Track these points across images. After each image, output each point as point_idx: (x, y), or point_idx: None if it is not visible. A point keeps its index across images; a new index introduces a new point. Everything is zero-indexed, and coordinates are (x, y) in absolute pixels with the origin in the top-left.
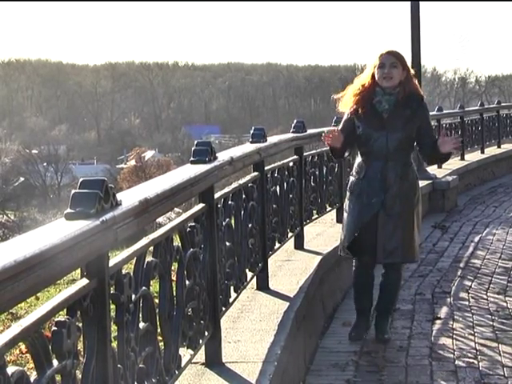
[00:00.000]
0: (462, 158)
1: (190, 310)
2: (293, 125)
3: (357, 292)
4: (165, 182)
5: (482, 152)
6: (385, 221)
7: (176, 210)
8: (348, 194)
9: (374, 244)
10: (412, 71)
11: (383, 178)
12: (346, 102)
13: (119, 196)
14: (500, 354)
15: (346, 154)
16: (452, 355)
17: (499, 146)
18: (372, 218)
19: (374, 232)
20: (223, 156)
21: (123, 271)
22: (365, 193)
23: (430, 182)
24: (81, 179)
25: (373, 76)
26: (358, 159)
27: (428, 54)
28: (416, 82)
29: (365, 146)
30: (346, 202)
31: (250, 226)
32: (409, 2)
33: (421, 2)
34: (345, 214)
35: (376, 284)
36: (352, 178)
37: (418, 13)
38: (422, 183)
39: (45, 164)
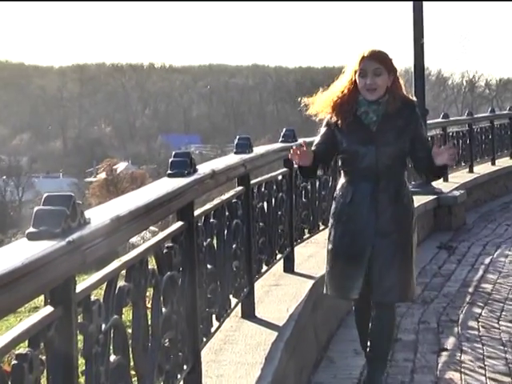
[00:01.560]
0: (471, 171)
1: (166, 340)
2: (282, 133)
3: (359, 331)
4: (139, 198)
5: (493, 163)
6: (378, 253)
7: (151, 228)
8: (331, 221)
9: (367, 280)
10: (398, 71)
11: (374, 201)
12: (321, 107)
13: (88, 213)
14: None
15: (319, 173)
16: None
17: None
18: (362, 250)
19: (365, 266)
20: (204, 168)
21: (92, 297)
22: (352, 220)
23: (434, 197)
24: (45, 195)
25: (354, 82)
26: (342, 180)
27: (432, 55)
28: (403, 83)
29: (350, 165)
30: (332, 232)
31: (234, 246)
32: (410, 2)
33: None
34: (329, 246)
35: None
36: (335, 203)
37: (422, 13)
38: (425, 198)
39: (4, 177)
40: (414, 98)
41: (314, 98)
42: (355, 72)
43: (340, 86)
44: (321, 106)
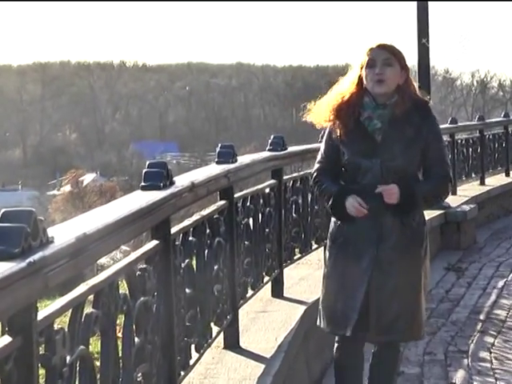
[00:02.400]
0: (482, 183)
1: (139, 374)
2: (270, 141)
3: (339, 379)
4: (108, 214)
5: (507, 175)
6: (379, 283)
7: (123, 248)
8: (329, 243)
9: (365, 313)
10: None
11: (377, 223)
12: (321, 115)
13: (51, 231)
14: None
15: None
16: None
17: None
18: (359, 279)
19: (362, 298)
20: (182, 180)
21: (55, 326)
22: (351, 243)
23: (441, 212)
24: (2, 210)
25: (359, 82)
26: None
27: (438, 54)
28: (416, 85)
29: (351, 180)
30: (327, 254)
31: (215, 268)
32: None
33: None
34: (325, 270)
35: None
36: (333, 223)
37: (427, 12)
38: (431, 213)
39: None
40: (430, 101)
41: (315, 104)
42: (362, 67)
43: (341, 89)
44: (319, 113)
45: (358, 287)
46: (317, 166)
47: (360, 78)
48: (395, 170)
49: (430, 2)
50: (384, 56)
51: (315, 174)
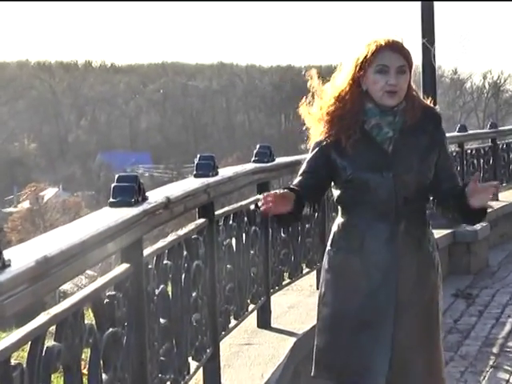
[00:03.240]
0: (496, 198)
1: None
2: (255, 151)
3: None
4: (73, 234)
5: None
6: (400, 326)
7: (89, 272)
8: (325, 275)
9: (375, 360)
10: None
11: (393, 249)
12: (317, 128)
13: (7, 254)
14: None
15: (305, 211)
16: None
17: None
18: (384, 314)
19: (391, 339)
20: (156, 196)
21: (12, 361)
22: (363, 275)
23: (449, 231)
24: None
25: (356, 80)
26: (341, 219)
27: (445, 53)
28: (414, 86)
29: (359, 199)
30: (324, 292)
31: (194, 295)
32: None
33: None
34: (324, 310)
35: None
36: (332, 252)
37: (433, 11)
38: (438, 233)
39: None
40: (437, 108)
41: (310, 107)
42: (365, 66)
43: (334, 90)
44: (310, 121)
45: (384, 324)
46: (297, 178)
47: (357, 78)
48: (410, 185)
49: (435, 2)
50: (399, 63)
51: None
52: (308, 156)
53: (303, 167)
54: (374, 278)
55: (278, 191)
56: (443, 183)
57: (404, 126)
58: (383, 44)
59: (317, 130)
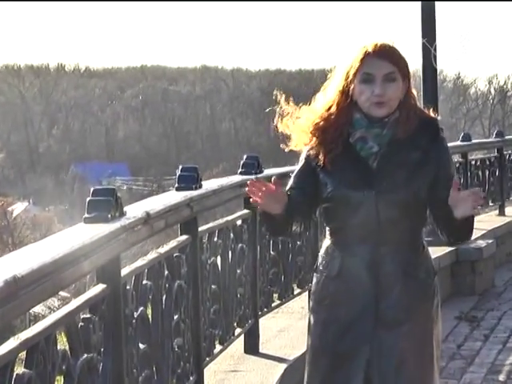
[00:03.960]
0: (502, 213)
1: None
2: (241, 162)
3: None
4: (44, 252)
5: None
6: (380, 353)
7: (61, 294)
8: (311, 303)
9: None
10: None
11: (374, 276)
12: (299, 137)
13: None
14: None
15: (294, 228)
16: None
17: None
18: (357, 349)
19: (363, 372)
20: (135, 211)
21: None
22: (340, 303)
23: (452, 249)
24: None
25: (346, 92)
26: (327, 242)
27: (448, 56)
28: (416, 94)
29: (338, 219)
30: (310, 319)
31: (175, 317)
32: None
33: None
34: (308, 340)
35: None
36: (316, 277)
37: (434, 11)
38: (440, 251)
39: None
40: (438, 117)
41: (289, 116)
42: (351, 76)
43: (324, 101)
44: (296, 132)
45: (357, 358)
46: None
47: (346, 88)
48: (394, 205)
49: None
50: (386, 70)
51: None
52: (296, 169)
53: (290, 182)
54: (354, 307)
55: (269, 183)
56: (441, 201)
57: (393, 140)
58: (368, 50)
59: (300, 141)
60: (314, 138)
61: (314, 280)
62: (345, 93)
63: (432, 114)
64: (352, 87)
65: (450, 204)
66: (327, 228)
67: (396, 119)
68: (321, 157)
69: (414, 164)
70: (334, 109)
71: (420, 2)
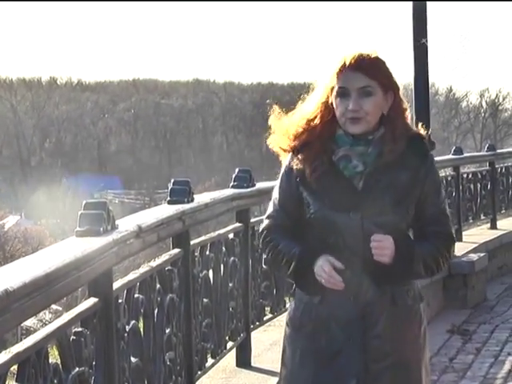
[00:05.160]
0: (494, 226)
1: None
2: (234, 175)
3: None
4: (36, 265)
5: None
6: None
7: (53, 307)
8: (288, 331)
9: None
10: (400, 89)
11: (359, 303)
12: (279, 138)
13: None
14: None
15: None
16: None
17: None
18: (343, 381)
19: None
20: (127, 224)
21: None
22: (325, 331)
23: None
24: None
25: (329, 106)
26: None
27: (438, 69)
28: (407, 108)
29: (321, 241)
30: (285, 346)
31: (167, 331)
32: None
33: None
34: (282, 371)
35: None
36: (295, 300)
37: (425, 12)
38: None
39: None
40: (424, 132)
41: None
42: (331, 89)
43: (306, 113)
44: (277, 133)
45: None
46: (267, 222)
47: (329, 101)
48: (383, 229)
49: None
50: (360, 83)
51: (265, 232)
52: (276, 187)
53: (273, 203)
54: (336, 337)
55: (329, 263)
56: (431, 225)
57: (380, 159)
58: (345, 62)
59: (277, 143)
60: (298, 152)
61: (293, 305)
62: (326, 106)
63: (421, 130)
64: (331, 101)
65: (372, 245)
66: None
67: (382, 136)
68: (306, 174)
69: (402, 186)
70: (317, 121)
71: (411, 3)
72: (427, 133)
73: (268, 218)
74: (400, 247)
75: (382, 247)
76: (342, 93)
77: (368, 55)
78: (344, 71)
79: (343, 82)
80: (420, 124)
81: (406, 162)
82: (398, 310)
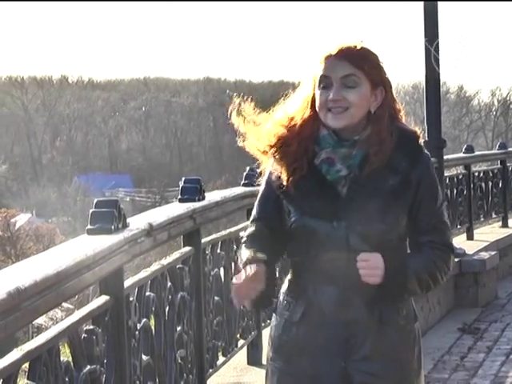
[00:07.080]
0: (505, 224)
1: None
2: (244, 174)
3: None
4: (47, 263)
5: None
6: None
7: (64, 305)
8: (269, 350)
9: None
10: (392, 86)
11: (342, 322)
12: (257, 145)
13: None
14: None
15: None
16: None
17: None
18: None
19: None
20: (138, 223)
21: None
22: (305, 353)
23: (455, 260)
24: None
25: (313, 104)
26: (289, 277)
27: (449, 67)
28: (401, 108)
29: (302, 253)
30: (268, 371)
31: (178, 329)
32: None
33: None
34: None
35: None
36: (276, 319)
37: (436, 13)
38: None
39: None
40: (418, 130)
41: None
42: (313, 82)
43: (289, 111)
44: (253, 145)
45: None
46: (249, 229)
47: (313, 100)
48: (368, 239)
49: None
50: (344, 72)
51: (244, 239)
52: (260, 191)
53: (256, 208)
54: (319, 359)
55: (246, 274)
56: (426, 235)
57: (365, 162)
58: (330, 53)
59: (254, 146)
60: (275, 154)
61: (274, 322)
62: (309, 102)
63: (414, 128)
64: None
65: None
66: (290, 262)
67: (368, 136)
68: (283, 178)
69: (390, 192)
70: (297, 118)
71: (422, 3)
72: (422, 131)
73: (252, 222)
74: (390, 264)
75: (371, 267)
76: (325, 83)
77: (354, 44)
78: (329, 60)
79: (326, 70)
80: (413, 122)
81: (394, 166)
82: (387, 331)
